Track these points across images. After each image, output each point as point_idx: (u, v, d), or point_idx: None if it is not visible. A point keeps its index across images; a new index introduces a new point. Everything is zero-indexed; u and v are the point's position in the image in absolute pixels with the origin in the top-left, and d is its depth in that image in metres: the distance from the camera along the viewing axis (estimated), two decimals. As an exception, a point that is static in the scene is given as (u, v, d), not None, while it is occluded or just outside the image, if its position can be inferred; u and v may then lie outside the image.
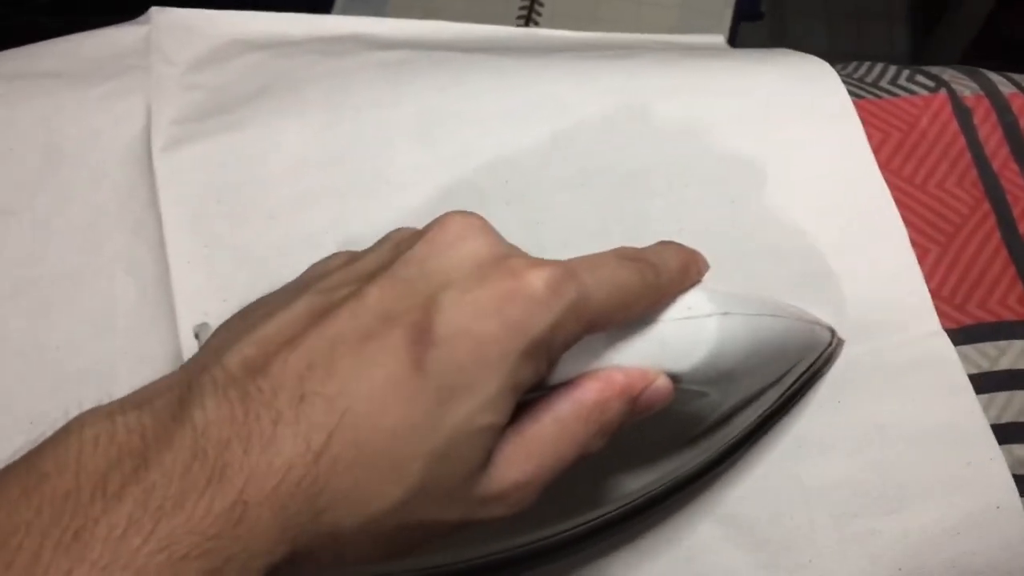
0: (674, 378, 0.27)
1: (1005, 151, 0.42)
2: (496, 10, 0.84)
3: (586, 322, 0.25)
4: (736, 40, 0.85)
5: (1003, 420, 0.36)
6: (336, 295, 0.24)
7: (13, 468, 0.21)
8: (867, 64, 0.46)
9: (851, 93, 0.43)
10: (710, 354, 0.28)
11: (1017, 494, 0.35)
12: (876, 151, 0.41)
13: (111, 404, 0.22)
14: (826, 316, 0.37)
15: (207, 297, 0.38)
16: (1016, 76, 0.46)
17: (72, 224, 0.40)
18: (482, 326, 0.23)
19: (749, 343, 0.30)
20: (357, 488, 0.22)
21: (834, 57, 0.46)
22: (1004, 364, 0.37)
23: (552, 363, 0.25)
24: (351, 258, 0.27)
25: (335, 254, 0.29)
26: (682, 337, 0.28)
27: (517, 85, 0.43)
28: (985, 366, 0.37)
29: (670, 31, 0.66)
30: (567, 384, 0.26)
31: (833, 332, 0.36)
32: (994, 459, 0.35)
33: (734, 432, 0.34)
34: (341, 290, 0.24)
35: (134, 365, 0.37)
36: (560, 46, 0.49)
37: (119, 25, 0.46)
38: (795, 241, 0.39)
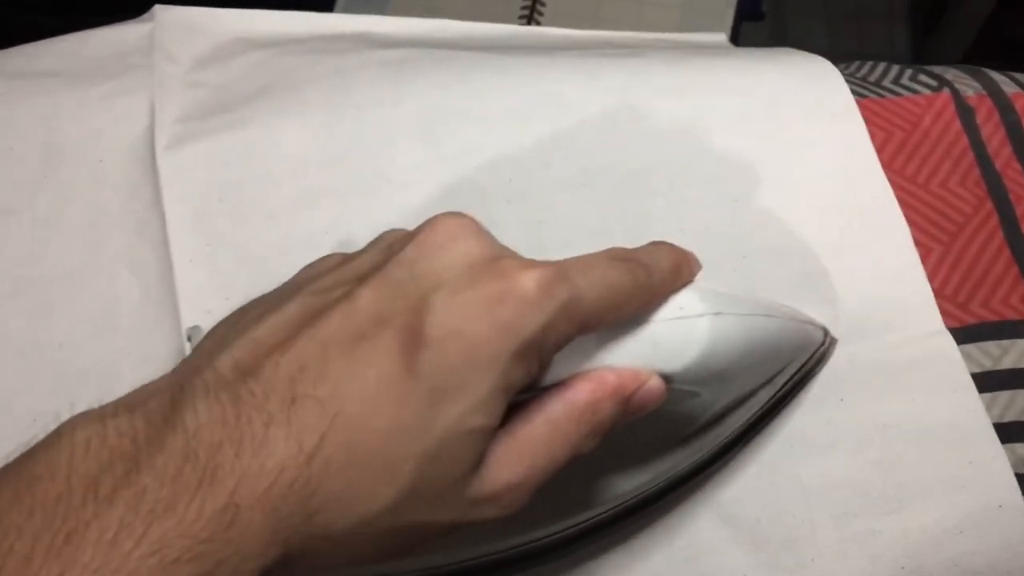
0: (666, 378, 0.27)
1: (1008, 150, 0.42)
2: (498, 9, 0.84)
3: (578, 323, 0.25)
4: (737, 40, 0.85)
5: (1006, 419, 0.36)
6: (328, 297, 0.24)
7: (5, 472, 0.21)
8: (870, 63, 0.46)
9: (854, 92, 0.43)
10: (702, 354, 0.28)
11: (1019, 493, 0.35)
12: (879, 150, 0.41)
13: (103, 407, 0.22)
14: (828, 315, 0.37)
15: (209, 296, 0.38)
16: (1019, 76, 0.46)
17: (73, 223, 0.40)
18: (473, 327, 0.23)
19: (741, 343, 0.30)
20: (349, 490, 0.22)
21: (835, 57, 0.46)
22: (1007, 363, 0.37)
23: (544, 364, 0.25)
24: (343, 260, 0.27)
25: (328, 255, 0.29)
26: (674, 337, 0.28)
27: (520, 84, 0.43)
28: (988, 365, 0.37)
29: (672, 30, 0.66)
30: (559, 385, 0.26)
31: (826, 331, 0.36)
32: (996, 458, 0.35)
33: (726, 432, 0.34)
34: (333, 292, 0.25)
35: (137, 364, 0.37)
36: (562, 45, 0.49)
37: (122, 23, 0.46)
38: (797, 240, 0.39)
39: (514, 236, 0.39)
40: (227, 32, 0.46)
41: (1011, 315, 0.38)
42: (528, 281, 0.24)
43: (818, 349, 0.36)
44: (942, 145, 0.42)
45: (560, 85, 0.43)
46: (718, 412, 0.33)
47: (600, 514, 0.33)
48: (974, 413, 0.36)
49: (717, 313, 0.29)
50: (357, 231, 0.40)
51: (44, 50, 0.45)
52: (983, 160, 0.42)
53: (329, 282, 0.25)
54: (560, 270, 0.24)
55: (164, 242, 0.39)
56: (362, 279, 0.24)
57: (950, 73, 0.45)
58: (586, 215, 0.40)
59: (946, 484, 0.35)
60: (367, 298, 0.24)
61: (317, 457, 0.21)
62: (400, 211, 0.40)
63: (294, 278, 0.28)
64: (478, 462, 0.24)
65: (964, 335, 0.38)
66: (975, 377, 0.37)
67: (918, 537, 0.35)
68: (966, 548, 0.34)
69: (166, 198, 0.40)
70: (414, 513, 0.23)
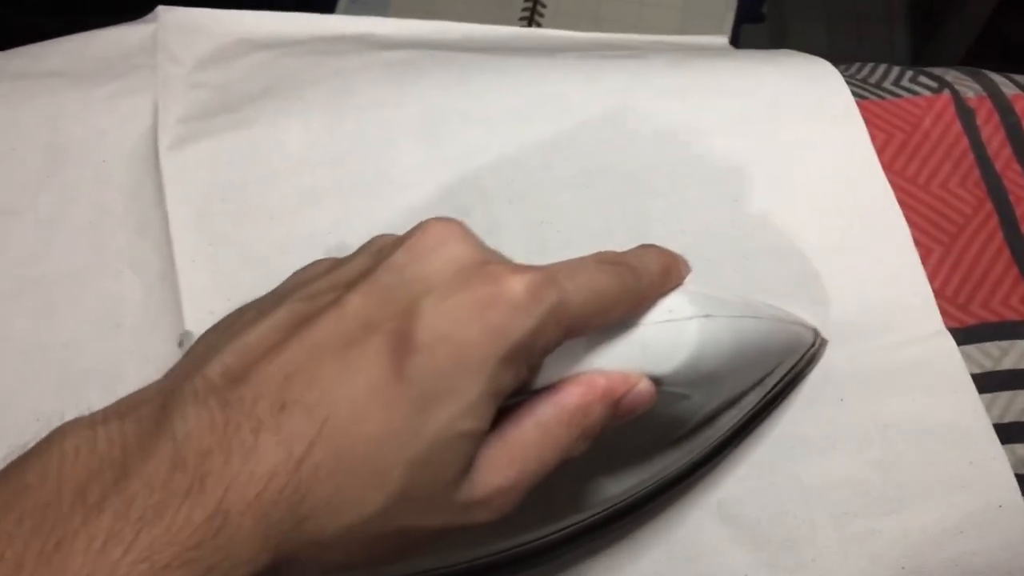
0: (656, 381, 0.27)
1: (1008, 152, 0.42)
2: (499, 10, 0.84)
3: (566, 326, 0.25)
4: (738, 42, 0.85)
5: (1006, 420, 0.36)
6: (318, 302, 0.24)
7: None
8: (870, 65, 0.46)
9: (854, 94, 0.43)
10: (691, 356, 0.28)
11: (1019, 493, 0.35)
12: (879, 152, 0.42)
13: (93, 414, 0.22)
14: (829, 315, 0.38)
15: (212, 296, 0.38)
16: (1018, 77, 0.46)
17: (76, 223, 0.40)
18: (462, 332, 0.23)
19: (731, 345, 0.30)
20: (339, 495, 0.22)
21: (835, 59, 0.46)
22: (1007, 364, 0.37)
23: (533, 368, 0.25)
24: (334, 264, 0.27)
25: (318, 260, 0.29)
26: (663, 340, 0.28)
27: (521, 85, 0.43)
28: (988, 366, 0.37)
29: (672, 32, 0.66)
30: (549, 389, 0.26)
31: (816, 332, 0.36)
32: (996, 458, 0.35)
33: (717, 434, 0.34)
34: (323, 297, 0.25)
35: (140, 364, 0.37)
36: (563, 46, 0.50)
37: (125, 24, 0.46)
38: (797, 241, 0.39)
39: (516, 237, 0.40)
40: (230, 33, 0.47)
41: (1011, 316, 0.38)
42: (517, 285, 0.24)
43: (808, 350, 0.36)
44: (942, 146, 0.42)
45: (561, 86, 0.43)
46: (708, 414, 0.33)
47: (591, 517, 0.33)
48: (974, 413, 0.36)
49: (706, 316, 0.29)
50: (359, 231, 0.39)
51: (47, 51, 0.45)
52: (983, 161, 0.42)
53: (319, 287, 0.25)
54: (548, 274, 0.24)
55: (167, 242, 0.39)
56: (351, 284, 0.24)
57: (950, 75, 0.45)
58: (587, 215, 0.40)
59: (946, 484, 0.35)
60: (356, 303, 0.24)
61: (306, 463, 0.21)
62: (402, 212, 0.40)
63: (284, 283, 0.28)
64: (468, 466, 0.24)
65: (964, 336, 0.38)
66: (975, 378, 0.37)
67: (918, 537, 0.35)
68: (966, 548, 0.34)
69: (169, 198, 0.40)
70: (404, 518, 0.23)
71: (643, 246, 0.30)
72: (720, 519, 0.35)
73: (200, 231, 0.40)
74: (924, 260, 0.39)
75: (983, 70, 0.46)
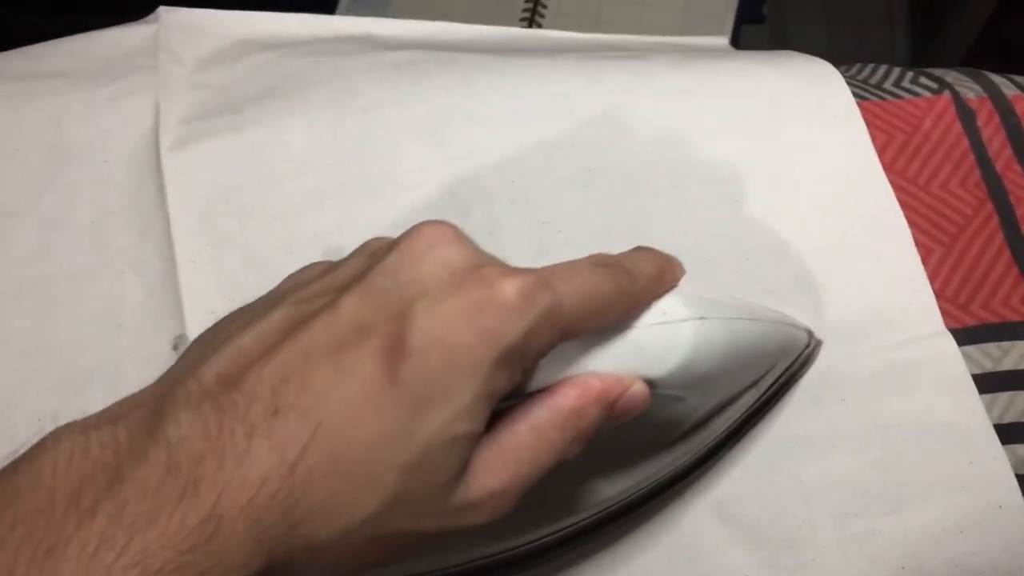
0: (650, 383, 0.27)
1: (1008, 153, 0.42)
2: (500, 11, 0.84)
3: (560, 329, 0.25)
4: (738, 43, 0.85)
5: (1006, 420, 0.36)
6: (311, 306, 0.24)
7: None
8: (871, 66, 0.47)
9: (855, 95, 0.43)
10: (686, 359, 0.28)
11: (1020, 494, 0.35)
12: (880, 152, 0.42)
13: (86, 419, 0.22)
14: (829, 315, 0.38)
15: (214, 296, 0.38)
16: (1019, 78, 0.46)
17: (78, 224, 0.40)
18: (456, 335, 0.23)
19: (725, 347, 0.30)
20: (333, 499, 0.22)
21: (835, 60, 0.46)
22: (1007, 364, 0.37)
23: (527, 371, 0.25)
24: (327, 268, 0.27)
25: (312, 264, 0.29)
26: (658, 342, 0.28)
27: (523, 86, 0.44)
28: (988, 366, 0.37)
29: (672, 33, 0.66)
30: (544, 391, 0.26)
31: (810, 334, 0.36)
32: (996, 458, 0.35)
33: (712, 436, 0.34)
34: (316, 301, 0.25)
35: (141, 364, 0.37)
36: (565, 47, 0.50)
37: (127, 25, 0.46)
38: (798, 241, 0.39)
39: (517, 237, 0.40)
40: (231, 34, 0.47)
41: (1011, 316, 0.38)
42: (510, 288, 0.24)
43: (803, 352, 0.36)
44: (943, 147, 0.42)
45: (563, 87, 0.43)
46: (703, 416, 0.33)
47: (586, 519, 0.33)
48: (974, 414, 0.36)
49: (701, 318, 0.29)
50: (362, 232, 0.39)
51: (49, 51, 0.45)
52: (984, 162, 0.42)
53: (312, 291, 0.25)
54: (542, 277, 0.24)
55: (168, 243, 0.39)
56: (345, 288, 0.24)
57: (951, 76, 0.45)
58: (589, 215, 0.40)
59: (946, 484, 0.35)
60: (350, 307, 0.24)
61: (300, 467, 0.21)
62: (404, 212, 0.40)
63: (278, 287, 0.28)
64: (463, 469, 0.24)
65: (965, 336, 0.38)
66: (976, 378, 0.37)
67: (918, 537, 0.35)
68: (966, 548, 0.35)
69: (170, 199, 0.40)
70: (398, 521, 0.23)
71: (637, 248, 0.30)
72: (720, 519, 0.35)
73: (202, 232, 0.40)
74: (925, 261, 0.39)
75: (983, 71, 0.46)
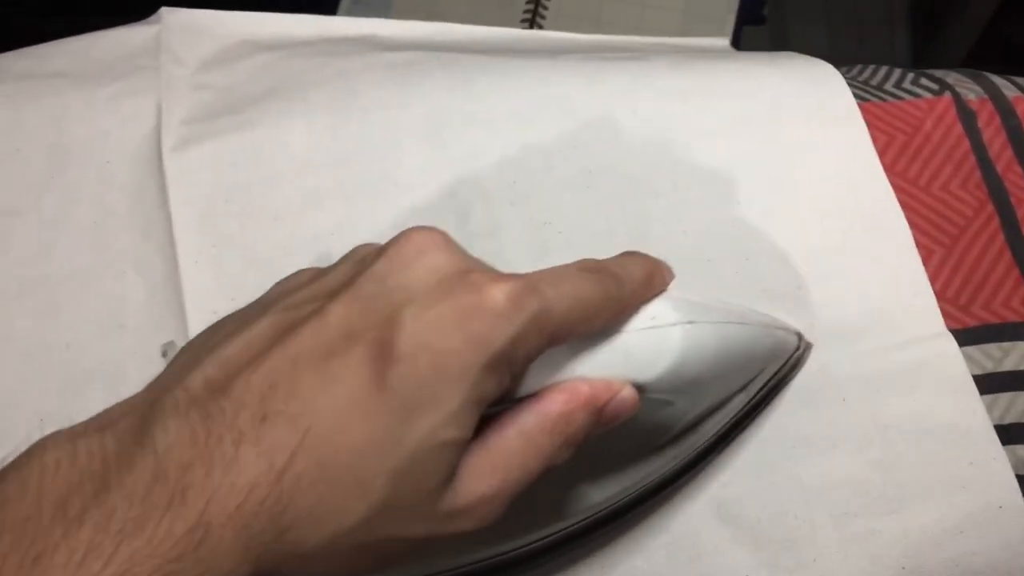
0: (639, 388, 0.27)
1: (1009, 154, 0.42)
2: (501, 12, 0.84)
3: (548, 335, 0.25)
4: (739, 44, 0.85)
5: (1006, 421, 0.36)
6: (299, 313, 0.24)
7: None
8: (871, 67, 0.47)
9: (856, 96, 0.43)
10: (675, 363, 0.28)
11: (1020, 494, 0.35)
12: (881, 153, 0.42)
13: (73, 427, 0.22)
14: (830, 316, 0.38)
15: (215, 296, 0.38)
16: (1020, 79, 0.46)
17: (80, 224, 0.40)
18: (443, 341, 0.23)
19: (714, 351, 0.30)
20: (321, 505, 0.22)
21: (836, 61, 0.46)
22: (1008, 365, 0.37)
23: (515, 376, 0.25)
24: (316, 274, 0.27)
25: (300, 271, 0.29)
26: (646, 347, 0.28)
27: (524, 87, 0.44)
28: (989, 367, 0.37)
29: (673, 34, 0.66)
30: (532, 397, 0.26)
31: (800, 337, 0.36)
32: (997, 459, 0.35)
33: (702, 440, 0.34)
34: (304, 308, 0.25)
35: (143, 365, 0.37)
36: (566, 49, 0.50)
37: (129, 25, 0.46)
38: (798, 242, 0.39)
39: (517, 238, 0.40)
40: (233, 35, 0.47)
41: (1012, 317, 0.38)
42: (498, 294, 0.24)
43: (792, 355, 0.36)
44: (944, 148, 0.42)
45: (564, 88, 0.43)
46: (692, 420, 0.33)
47: (576, 524, 0.33)
48: (975, 414, 0.36)
49: (690, 322, 0.29)
50: (362, 233, 0.40)
51: (51, 51, 0.46)
52: (984, 163, 0.42)
53: (300, 298, 0.25)
54: (530, 283, 0.24)
55: (170, 243, 0.40)
56: (333, 294, 0.24)
57: (951, 77, 0.46)
58: (589, 216, 0.40)
59: (946, 484, 0.35)
60: (338, 313, 0.24)
61: (288, 473, 0.21)
62: (404, 213, 0.40)
63: (267, 293, 0.28)
64: (451, 475, 0.24)
65: (965, 337, 0.38)
66: (976, 379, 0.37)
67: (918, 537, 0.35)
68: (966, 548, 0.35)
69: (172, 199, 0.40)
70: (387, 527, 0.23)
71: (626, 253, 0.30)
72: (721, 519, 0.35)
73: (203, 232, 0.40)
74: (925, 262, 0.39)
75: (984, 72, 0.47)
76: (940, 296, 0.39)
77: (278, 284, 0.29)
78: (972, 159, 0.42)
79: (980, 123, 0.43)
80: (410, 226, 0.26)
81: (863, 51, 1.45)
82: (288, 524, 0.21)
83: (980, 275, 0.39)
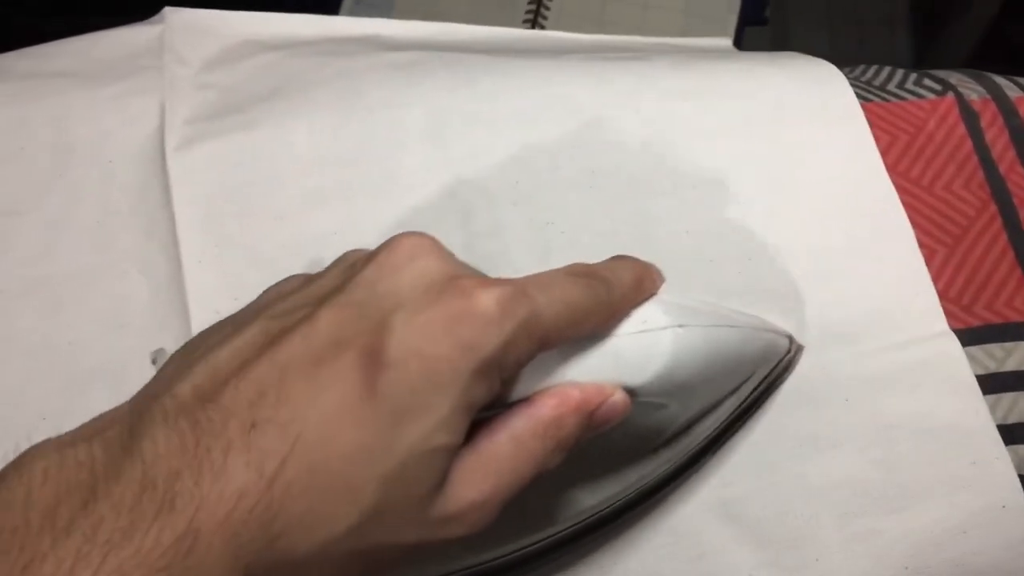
0: (631, 391, 0.28)
1: (1012, 154, 0.42)
2: (502, 13, 0.84)
3: (538, 340, 0.25)
4: (741, 45, 0.85)
5: (1009, 421, 0.36)
6: (288, 320, 0.24)
7: None
8: (874, 67, 0.47)
9: (858, 96, 0.43)
10: (666, 367, 0.28)
11: (1023, 494, 0.35)
12: (883, 153, 0.42)
13: (61, 437, 0.22)
14: (832, 316, 0.38)
15: (218, 296, 0.38)
16: (1022, 80, 0.46)
17: (83, 223, 0.40)
18: (433, 347, 0.23)
19: (705, 354, 0.30)
20: (311, 512, 0.22)
21: (838, 61, 0.46)
22: (1011, 365, 0.37)
23: (506, 381, 0.25)
24: (305, 281, 0.27)
25: (290, 277, 0.29)
26: (637, 351, 0.28)
27: (528, 86, 0.44)
28: (992, 367, 0.37)
29: (674, 35, 0.66)
30: (523, 401, 0.26)
31: (791, 339, 0.36)
32: (999, 458, 0.35)
33: (694, 443, 0.34)
34: (294, 315, 0.24)
35: (145, 364, 0.37)
36: (568, 49, 0.50)
37: (132, 25, 0.46)
38: (801, 242, 0.39)
39: (520, 238, 0.40)
40: (236, 34, 0.47)
41: (1015, 317, 0.38)
42: (487, 299, 0.24)
43: (784, 357, 0.36)
44: (946, 148, 0.42)
45: (568, 88, 0.43)
46: (684, 423, 0.33)
47: (568, 528, 0.33)
48: (978, 414, 0.36)
49: (680, 325, 0.29)
50: (365, 232, 0.40)
51: (54, 51, 0.46)
52: (987, 163, 0.42)
53: (290, 305, 0.25)
54: (519, 288, 0.24)
55: (173, 243, 0.40)
56: (322, 301, 0.24)
57: (954, 77, 0.46)
58: (592, 216, 0.40)
59: (949, 484, 0.35)
60: (327, 320, 0.24)
61: (278, 481, 0.21)
62: (408, 213, 0.40)
63: (256, 300, 0.28)
64: (442, 481, 0.24)
65: (968, 337, 0.38)
66: (979, 379, 0.37)
67: (921, 537, 0.35)
68: (969, 548, 0.35)
69: (175, 199, 0.40)
70: (378, 534, 0.23)
71: (616, 257, 0.30)
72: (724, 518, 0.35)
73: (207, 232, 0.40)
74: (928, 262, 0.39)
75: (987, 72, 0.47)
76: (943, 296, 0.39)
77: (268, 290, 0.29)
78: (975, 159, 0.42)
79: (983, 123, 0.43)
80: (410, 227, 0.26)
81: (864, 52, 1.45)
82: (278, 532, 0.21)
83: (983, 275, 0.39)
